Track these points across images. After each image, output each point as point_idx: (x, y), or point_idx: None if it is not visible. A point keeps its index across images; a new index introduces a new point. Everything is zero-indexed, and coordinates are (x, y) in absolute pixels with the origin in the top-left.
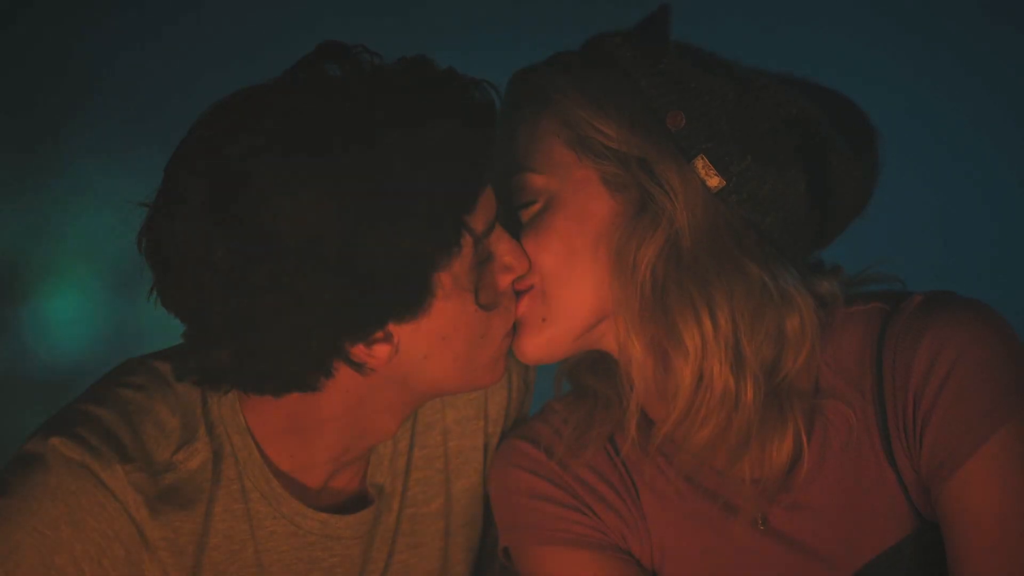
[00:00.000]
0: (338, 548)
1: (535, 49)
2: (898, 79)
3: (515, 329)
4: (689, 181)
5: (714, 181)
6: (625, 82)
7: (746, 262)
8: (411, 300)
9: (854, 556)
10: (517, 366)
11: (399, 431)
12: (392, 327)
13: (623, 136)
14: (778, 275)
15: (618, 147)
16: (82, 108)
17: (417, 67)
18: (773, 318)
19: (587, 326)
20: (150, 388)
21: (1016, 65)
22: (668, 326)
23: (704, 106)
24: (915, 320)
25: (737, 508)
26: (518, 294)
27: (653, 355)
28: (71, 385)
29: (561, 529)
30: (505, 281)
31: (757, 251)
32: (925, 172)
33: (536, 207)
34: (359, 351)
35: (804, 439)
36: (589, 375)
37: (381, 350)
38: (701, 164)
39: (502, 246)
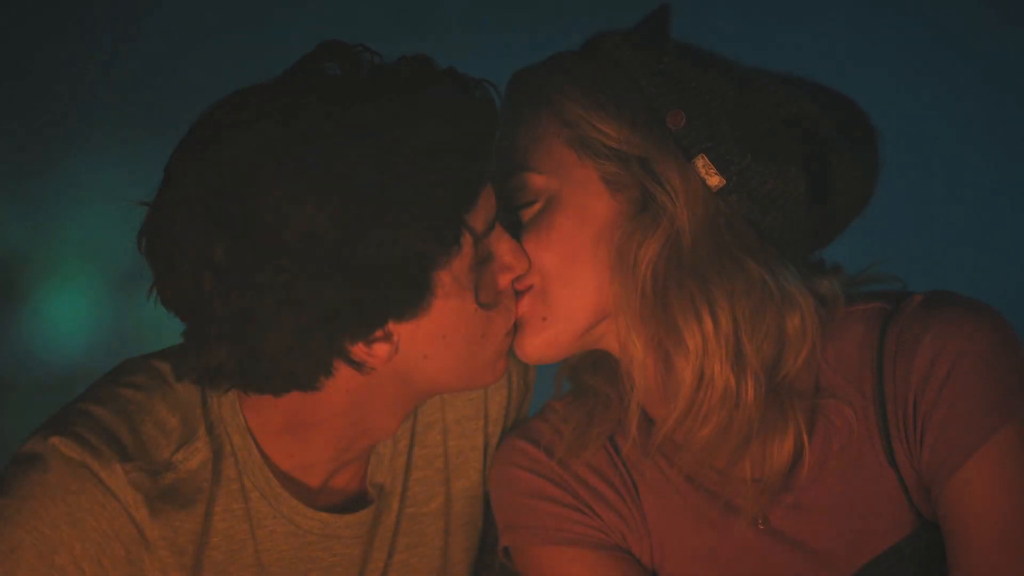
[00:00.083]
0: (338, 548)
1: (535, 49)
2: (899, 79)
3: (516, 329)
4: (690, 180)
5: (714, 180)
6: (625, 82)
7: (747, 261)
8: (411, 299)
9: (854, 556)
10: (517, 366)
11: (399, 431)
12: (392, 326)
13: (623, 135)
14: (778, 274)
15: (618, 146)
16: (82, 108)
17: (417, 66)
18: (774, 317)
19: (588, 325)
20: (150, 388)
21: (1016, 65)
22: (669, 325)
23: (704, 105)
24: (916, 320)
25: (738, 508)
26: (518, 294)
27: (654, 354)
28: (71, 385)
29: (561, 529)
30: (505, 280)
31: (757, 250)
32: (926, 172)
33: (536, 207)
34: (359, 350)
35: (805, 438)
36: (589, 374)
37: (381, 349)
38: (701, 163)
39: (502, 245)
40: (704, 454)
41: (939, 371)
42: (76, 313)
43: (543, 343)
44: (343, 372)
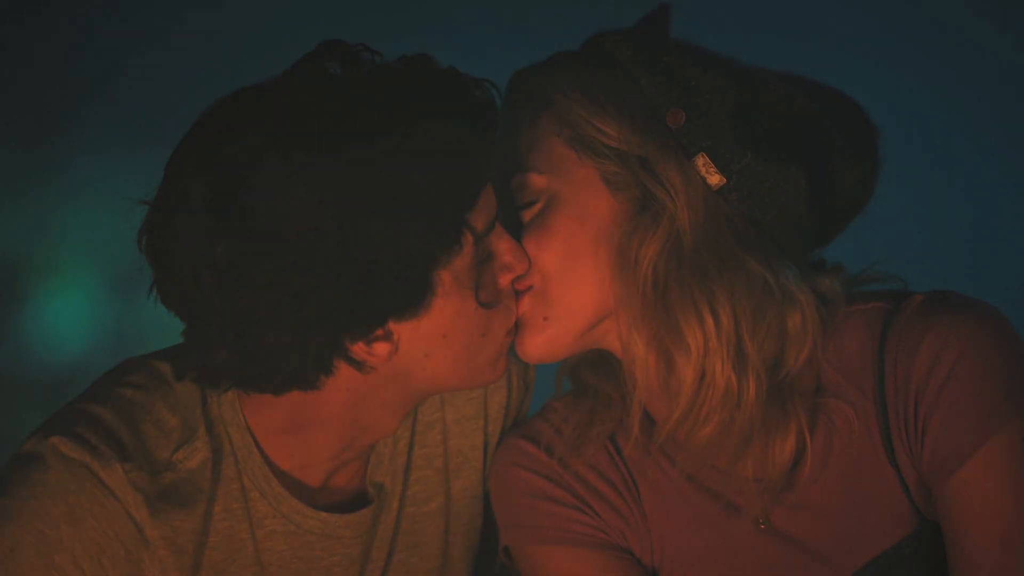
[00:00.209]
0: (338, 547)
1: (535, 49)
2: (899, 79)
3: (517, 328)
4: (690, 179)
5: (715, 179)
6: (625, 81)
7: (747, 259)
8: (411, 298)
9: (854, 555)
10: (517, 365)
11: (399, 430)
12: (392, 325)
13: (623, 135)
14: (779, 272)
15: (618, 146)
16: (82, 107)
17: (418, 66)
18: (775, 315)
19: (589, 325)
20: (150, 387)
21: (1017, 64)
22: (670, 324)
23: (704, 104)
24: (916, 320)
25: (739, 507)
26: (518, 294)
27: (656, 353)
28: (71, 385)
29: (562, 528)
30: (505, 280)
31: (758, 248)
32: (926, 172)
33: (537, 207)
34: (359, 349)
35: (807, 436)
36: (590, 374)
37: (381, 348)
38: (702, 162)
39: (502, 245)
40: (706, 453)
41: (940, 371)
42: (76, 313)
43: (544, 343)
44: (343, 371)
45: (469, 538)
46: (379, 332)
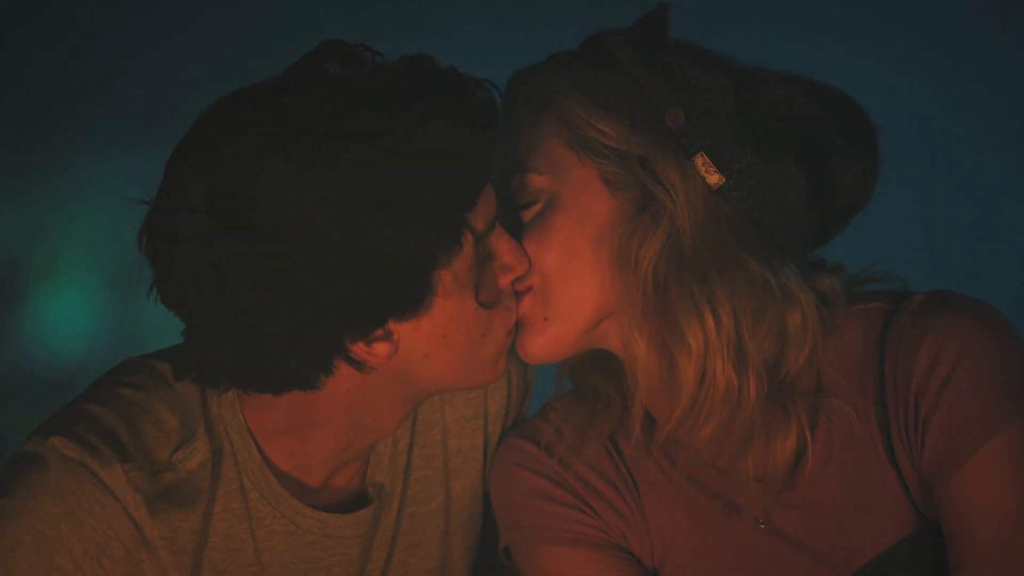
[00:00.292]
0: (338, 547)
1: (535, 49)
2: (900, 79)
3: (517, 328)
4: (689, 179)
5: (714, 178)
6: (624, 80)
7: (747, 259)
8: (412, 298)
9: (854, 555)
10: (516, 365)
11: (399, 430)
12: (392, 325)
13: (623, 135)
14: (779, 272)
15: (618, 146)
16: (82, 107)
17: (419, 66)
18: (775, 314)
19: (590, 325)
20: (149, 387)
21: (1017, 63)
22: (670, 324)
23: (704, 103)
24: (917, 320)
25: (739, 507)
26: (518, 294)
27: (657, 353)
28: (71, 385)
29: (562, 528)
30: (505, 280)
31: (758, 248)
32: (926, 172)
33: (537, 207)
34: (359, 349)
35: (808, 436)
36: (590, 373)
37: (381, 348)
38: (701, 161)
39: (502, 245)
40: (706, 453)
41: (940, 371)
42: (76, 313)
43: (545, 343)
44: (343, 371)
45: (469, 538)
46: (379, 332)
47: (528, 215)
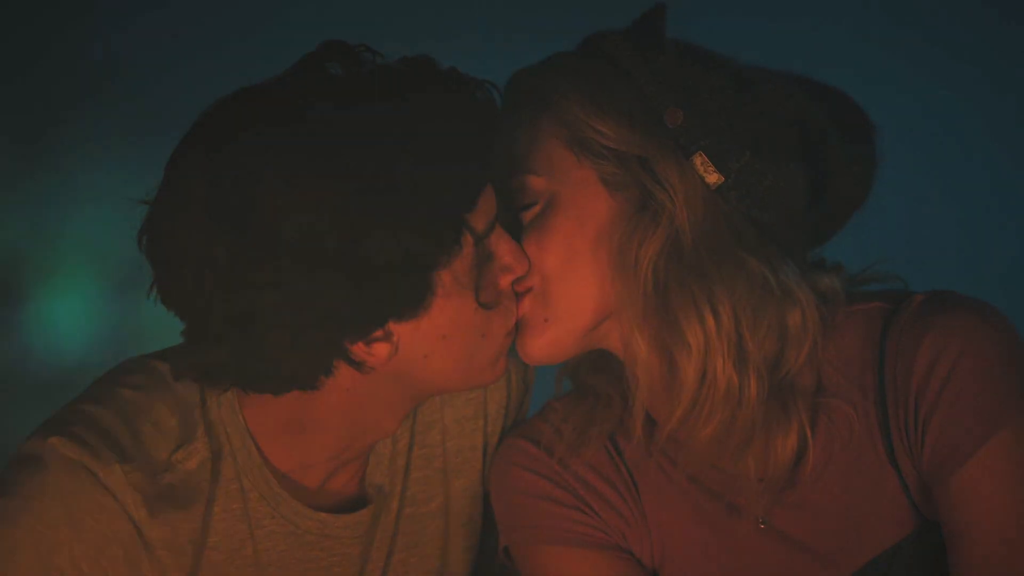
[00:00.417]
0: (337, 548)
1: (535, 49)
2: (900, 78)
3: (517, 329)
4: (688, 178)
5: (713, 177)
6: (623, 80)
7: (747, 258)
8: (411, 298)
9: (854, 555)
10: (516, 365)
11: (398, 430)
12: (392, 326)
13: (621, 135)
14: (779, 270)
15: (617, 146)
16: (82, 106)
17: (419, 67)
18: (775, 313)
19: (590, 326)
20: (149, 388)
21: (1017, 62)
22: (671, 323)
23: (702, 103)
24: (917, 320)
25: (740, 507)
26: (518, 295)
27: (657, 353)
28: (71, 385)
29: (561, 528)
30: (505, 281)
31: (757, 247)
32: (927, 171)
33: (536, 208)
34: (359, 349)
35: (808, 434)
36: (590, 373)
37: (381, 349)
38: (700, 161)
39: (502, 246)
40: (707, 453)
41: (940, 371)
42: (76, 313)
43: (546, 344)
44: (343, 371)
45: (468, 538)
46: (379, 333)
47: (528, 216)
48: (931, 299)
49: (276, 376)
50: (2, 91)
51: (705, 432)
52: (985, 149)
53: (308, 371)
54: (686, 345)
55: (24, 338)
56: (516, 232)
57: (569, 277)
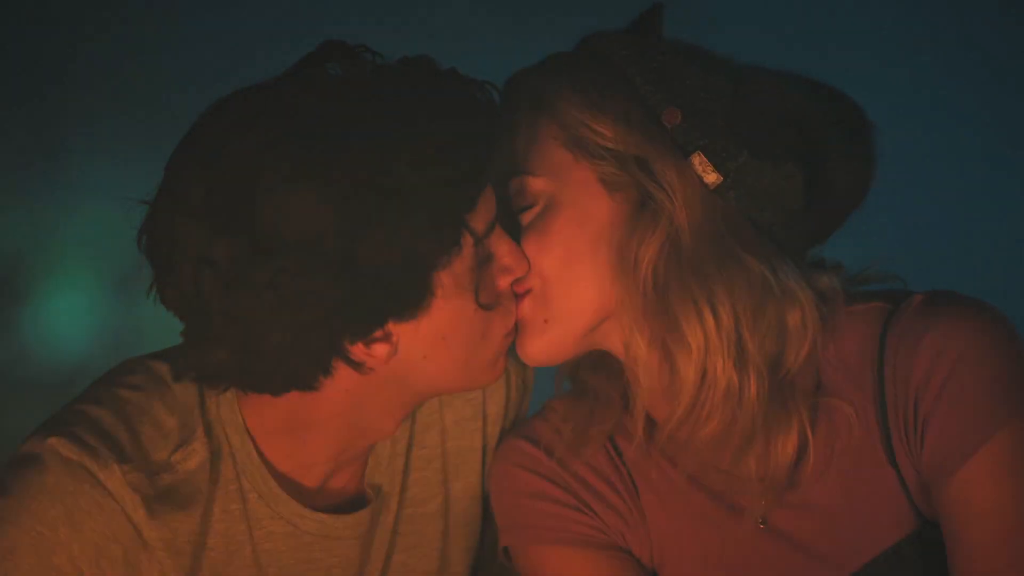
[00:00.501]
0: (336, 548)
1: (536, 50)
2: (899, 77)
3: (517, 330)
4: (687, 178)
5: (711, 177)
6: (620, 81)
7: (746, 257)
8: (411, 299)
9: (854, 555)
10: (515, 366)
11: (398, 431)
12: (392, 326)
13: (620, 135)
14: (778, 269)
15: (615, 147)
16: (82, 107)
17: (419, 67)
18: (775, 312)
19: (590, 326)
20: (148, 388)
21: (1017, 60)
22: (671, 323)
23: (700, 102)
24: (916, 320)
25: (741, 508)
26: (517, 296)
27: (657, 353)
28: (71, 385)
29: (561, 528)
30: (505, 282)
31: (757, 246)
32: (926, 171)
33: (535, 210)
34: (358, 350)
35: (809, 434)
36: (589, 374)
37: (380, 349)
38: (698, 161)
39: (502, 247)
40: (707, 453)
41: (940, 371)
42: (76, 313)
43: (546, 345)
44: (342, 372)
45: (468, 539)
46: (378, 333)
47: (527, 217)
48: (931, 299)
49: (275, 376)
50: (3, 92)
51: (705, 432)
52: (985, 149)
53: (307, 371)
54: (686, 345)
55: (24, 338)
56: (515, 233)
57: (568, 278)
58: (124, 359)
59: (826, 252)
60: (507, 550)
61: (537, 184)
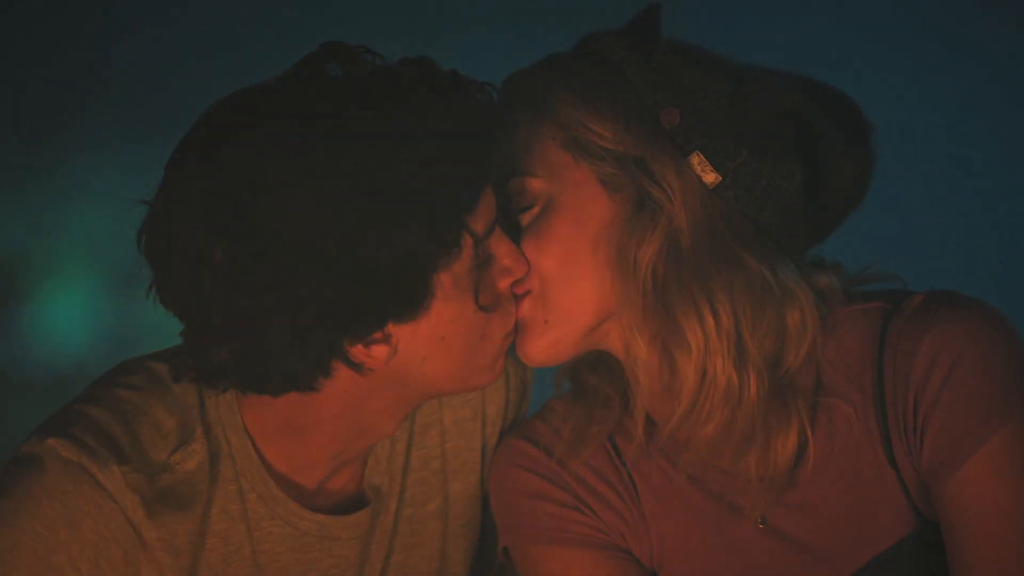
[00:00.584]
0: (335, 549)
1: (536, 50)
2: (899, 77)
3: (517, 331)
4: (686, 178)
5: (710, 177)
6: (618, 81)
7: (745, 256)
8: (411, 300)
9: (854, 555)
10: (514, 366)
11: (397, 432)
12: (391, 327)
13: (618, 136)
14: (778, 269)
15: (613, 147)
16: (82, 106)
17: (419, 68)
18: (774, 311)
19: (590, 327)
20: (147, 389)
21: (1017, 59)
22: (670, 323)
23: (698, 102)
24: (916, 320)
25: (741, 508)
26: (516, 297)
27: (658, 354)
28: (71, 385)
29: (561, 528)
30: (504, 283)
31: (756, 245)
32: (926, 171)
33: (535, 211)
34: (358, 351)
35: (809, 432)
36: (589, 374)
37: (380, 350)
38: (697, 160)
39: (501, 248)
40: (708, 453)
41: (939, 371)
42: (76, 313)
43: (546, 346)
44: (342, 373)
45: (467, 539)
46: (378, 334)
47: (526, 218)
48: (931, 299)
49: (275, 377)
50: (3, 92)
51: (705, 432)
52: (984, 149)
53: (307, 372)
54: (686, 345)
55: (24, 338)
56: (515, 234)
57: (568, 279)
58: (123, 359)
59: (826, 252)
60: (507, 550)
61: (536, 185)
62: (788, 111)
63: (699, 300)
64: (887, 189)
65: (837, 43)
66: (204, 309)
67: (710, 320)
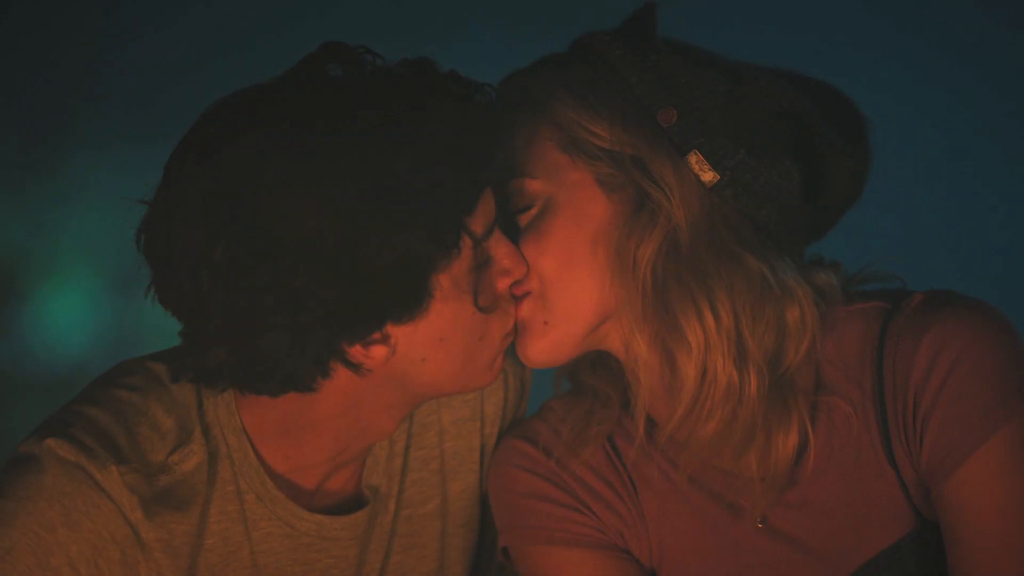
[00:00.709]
0: (334, 549)
1: (535, 50)
2: (899, 77)
3: (516, 333)
4: (684, 177)
5: (708, 176)
6: (615, 80)
7: (744, 255)
8: (409, 301)
9: (853, 554)
10: (513, 366)
11: (395, 432)
12: (390, 328)
13: (615, 135)
14: (777, 267)
15: (611, 147)
16: (82, 106)
17: (419, 69)
18: (774, 309)
19: (590, 327)
20: (145, 389)
21: (1017, 63)
22: (670, 323)
23: (695, 101)
24: (916, 319)
25: (741, 507)
26: (516, 298)
27: (658, 353)
28: (71, 385)
29: (560, 529)
30: (503, 284)
31: (754, 244)
32: (926, 170)
33: (533, 212)
34: (356, 352)
35: (810, 430)
36: (588, 374)
37: (378, 351)
38: (695, 159)
39: (500, 249)
40: (708, 452)
41: (939, 370)
42: (76, 313)
43: (546, 347)
44: (340, 374)
45: (466, 540)
46: (376, 335)
47: (525, 219)
48: (930, 298)
49: (273, 377)
50: (3, 92)
51: (706, 431)
52: (984, 148)
53: (305, 373)
54: (686, 344)
55: (24, 338)
56: (514, 235)
57: (568, 279)
58: (122, 360)
59: (825, 251)
60: (506, 550)
61: (534, 186)
62: (786, 110)
63: (699, 299)
64: (886, 188)
65: (836, 43)
66: (203, 309)
67: (710, 318)
